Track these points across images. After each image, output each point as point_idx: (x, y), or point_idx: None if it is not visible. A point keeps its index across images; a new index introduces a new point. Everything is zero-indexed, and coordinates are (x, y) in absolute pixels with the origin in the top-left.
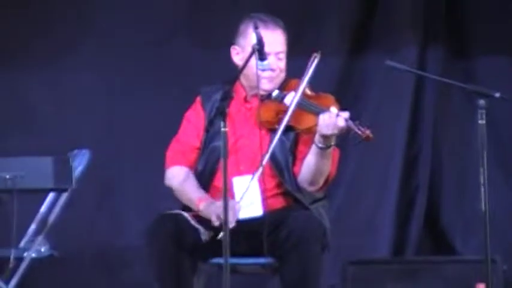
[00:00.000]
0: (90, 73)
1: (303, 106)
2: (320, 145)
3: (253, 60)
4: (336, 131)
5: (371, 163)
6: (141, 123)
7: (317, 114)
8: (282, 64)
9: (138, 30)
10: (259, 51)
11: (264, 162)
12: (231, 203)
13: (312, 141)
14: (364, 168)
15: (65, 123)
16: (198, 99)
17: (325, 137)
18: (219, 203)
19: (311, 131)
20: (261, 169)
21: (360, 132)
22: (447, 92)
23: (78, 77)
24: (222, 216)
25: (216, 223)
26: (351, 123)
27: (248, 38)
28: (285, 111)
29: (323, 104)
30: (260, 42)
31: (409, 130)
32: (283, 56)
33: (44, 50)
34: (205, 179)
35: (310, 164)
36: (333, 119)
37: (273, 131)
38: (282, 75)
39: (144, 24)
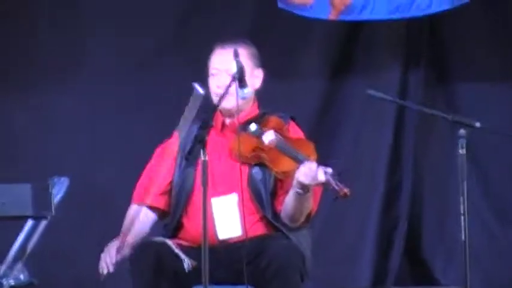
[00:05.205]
0: (71, 99)
1: (281, 149)
2: (298, 190)
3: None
4: (314, 183)
5: (352, 192)
6: (122, 148)
7: (295, 160)
8: (220, 82)
9: (119, 55)
10: (240, 79)
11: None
12: (109, 247)
13: (288, 183)
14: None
15: (45, 149)
16: (176, 133)
17: (303, 185)
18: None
19: (287, 175)
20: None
21: (337, 188)
22: (428, 119)
23: (59, 102)
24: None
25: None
26: (330, 178)
27: (211, 60)
28: (262, 149)
29: (302, 151)
30: (241, 71)
31: (391, 159)
32: (215, 72)
33: (25, 76)
34: (183, 198)
35: (289, 205)
36: (313, 171)
37: (247, 165)
38: (232, 96)
39: (126, 48)
